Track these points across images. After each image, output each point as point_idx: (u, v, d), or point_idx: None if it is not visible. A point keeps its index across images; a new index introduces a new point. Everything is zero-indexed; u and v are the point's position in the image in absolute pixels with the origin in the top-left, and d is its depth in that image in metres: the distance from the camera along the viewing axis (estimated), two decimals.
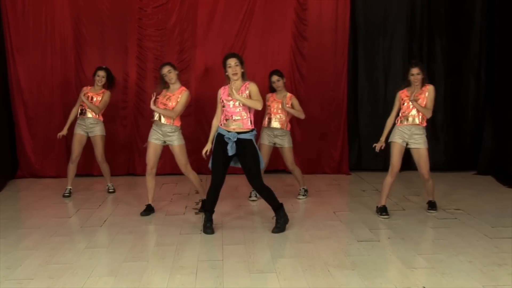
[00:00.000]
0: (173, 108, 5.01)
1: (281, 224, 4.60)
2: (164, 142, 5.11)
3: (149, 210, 5.22)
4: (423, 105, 4.94)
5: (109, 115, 6.46)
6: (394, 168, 5.02)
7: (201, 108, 6.96)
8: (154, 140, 5.08)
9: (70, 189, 6.01)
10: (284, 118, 5.59)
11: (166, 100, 5.06)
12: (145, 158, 5.19)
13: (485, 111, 7.28)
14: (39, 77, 6.87)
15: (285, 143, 5.63)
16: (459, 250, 4.08)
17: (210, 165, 4.53)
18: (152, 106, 4.94)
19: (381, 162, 7.28)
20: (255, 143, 4.52)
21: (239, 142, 4.43)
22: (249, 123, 4.48)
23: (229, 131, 4.44)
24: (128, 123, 7.06)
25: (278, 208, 4.62)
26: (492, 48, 7.14)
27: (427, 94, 4.97)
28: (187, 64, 7.00)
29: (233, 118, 4.46)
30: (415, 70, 4.98)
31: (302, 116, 5.60)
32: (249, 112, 4.47)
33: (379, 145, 5.12)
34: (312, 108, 7.04)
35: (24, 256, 4.00)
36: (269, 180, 6.33)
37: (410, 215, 5.13)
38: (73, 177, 6.02)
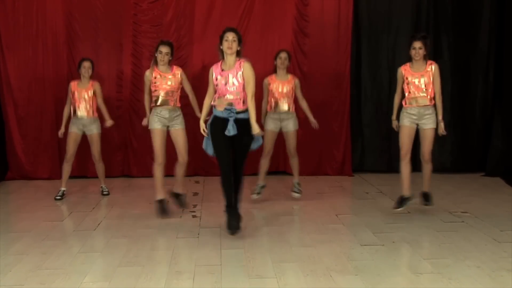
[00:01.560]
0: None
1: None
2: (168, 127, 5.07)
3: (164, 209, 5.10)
4: (430, 86, 4.86)
5: (99, 112, 6.34)
6: (403, 150, 4.94)
7: (198, 107, 6.82)
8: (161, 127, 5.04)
9: (64, 190, 5.89)
10: (291, 99, 5.53)
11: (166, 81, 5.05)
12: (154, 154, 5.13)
13: (493, 110, 7.18)
14: (30, 74, 6.78)
15: (291, 126, 5.54)
16: (467, 254, 4.02)
17: (210, 151, 4.45)
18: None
19: (385, 163, 7.20)
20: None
21: (237, 122, 4.32)
22: (242, 103, 4.38)
23: (228, 109, 4.33)
24: (122, 123, 6.95)
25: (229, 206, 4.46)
26: (501, 45, 7.04)
27: (433, 74, 4.88)
28: (184, 61, 6.90)
29: (226, 97, 4.36)
30: (417, 44, 4.87)
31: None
32: (242, 91, 4.37)
33: (394, 125, 5.15)
34: (314, 107, 6.88)
35: (14, 261, 3.93)
36: (269, 182, 6.27)
37: (415, 218, 5.05)
38: (68, 178, 5.93)
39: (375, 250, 4.12)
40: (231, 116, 4.30)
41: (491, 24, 7.05)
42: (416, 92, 4.87)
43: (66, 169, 5.87)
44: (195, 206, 5.46)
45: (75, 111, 5.78)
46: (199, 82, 6.84)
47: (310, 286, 3.41)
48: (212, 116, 4.44)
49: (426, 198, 5.14)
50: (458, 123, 7.20)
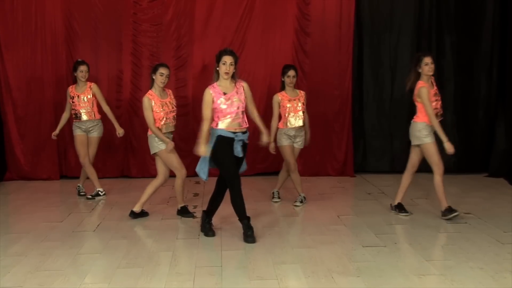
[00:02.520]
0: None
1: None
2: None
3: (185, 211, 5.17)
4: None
5: (102, 113, 6.32)
6: (441, 165, 4.90)
7: (199, 107, 6.76)
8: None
9: (99, 190, 5.87)
10: (304, 114, 5.49)
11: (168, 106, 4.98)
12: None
13: (497, 110, 7.11)
14: (28, 74, 6.75)
15: (301, 143, 5.54)
16: (470, 256, 4.00)
17: (203, 175, 4.40)
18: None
19: (387, 163, 7.15)
20: None
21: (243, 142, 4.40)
22: (245, 122, 4.44)
23: (234, 132, 4.33)
24: (122, 123, 6.87)
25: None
26: (504, 44, 6.97)
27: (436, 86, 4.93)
28: (184, 61, 6.88)
29: (232, 118, 4.34)
30: (429, 59, 4.82)
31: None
32: (245, 111, 4.43)
33: (450, 147, 4.83)
34: (315, 107, 6.88)
35: (12, 262, 3.93)
36: (269, 183, 6.24)
37: (417, 220, 5.02)
38: (97, 178, 5.89)
39: (377, 251, 4.09)
40: (241, 139, 4.32)
41: (494, 23, 7.00)
42: (438, 108, 4.87)
43: (90, 170, 5.80)
44: (195, 207, 5.43)
45: (77, 116, 5.74)
46: (199, 82, 6.82)
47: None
48: (216, 137, 4.34)
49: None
50: (461, 124, 7.14)
